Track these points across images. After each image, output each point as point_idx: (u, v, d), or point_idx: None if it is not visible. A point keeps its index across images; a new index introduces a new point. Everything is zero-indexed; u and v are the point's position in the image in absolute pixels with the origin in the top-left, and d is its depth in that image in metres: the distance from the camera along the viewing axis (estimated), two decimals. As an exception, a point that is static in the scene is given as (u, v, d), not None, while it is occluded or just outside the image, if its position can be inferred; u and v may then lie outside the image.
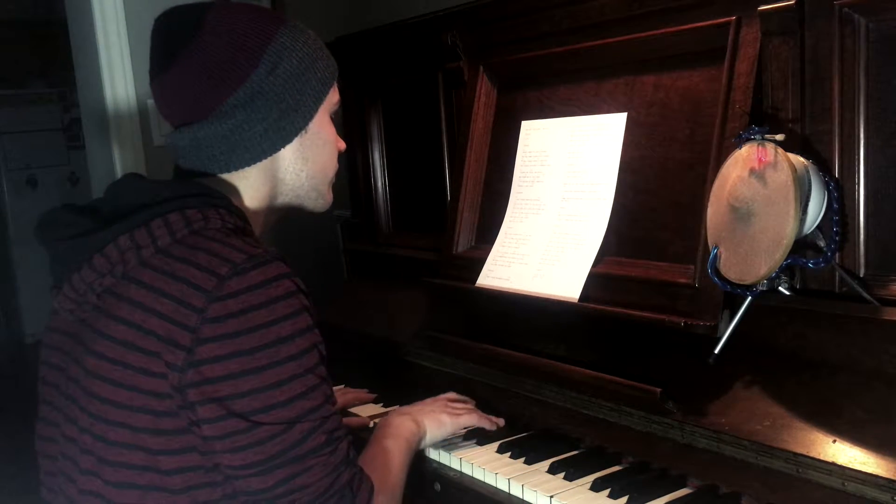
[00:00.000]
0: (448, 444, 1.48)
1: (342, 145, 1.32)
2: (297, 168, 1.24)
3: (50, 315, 1.22)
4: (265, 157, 1.21)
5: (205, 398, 1.04)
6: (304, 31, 1.23)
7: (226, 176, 1.21)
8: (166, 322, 1.04)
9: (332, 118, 1.28)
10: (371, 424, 1.60)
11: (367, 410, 1.72)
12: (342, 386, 1.81)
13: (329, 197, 1.32)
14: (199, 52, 1.15)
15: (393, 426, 1.39)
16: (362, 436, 1.45)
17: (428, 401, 1.52)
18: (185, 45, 1.15)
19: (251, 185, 1.22)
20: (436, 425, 1.44)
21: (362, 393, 1.79)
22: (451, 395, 1.56)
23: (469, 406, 1.53)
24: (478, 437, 1.49)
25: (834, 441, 1.11)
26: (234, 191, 1.22)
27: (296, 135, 1.22)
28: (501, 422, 1.51)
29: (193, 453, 1.07)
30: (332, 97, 1.26)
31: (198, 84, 1.16)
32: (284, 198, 1.26)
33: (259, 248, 1.09)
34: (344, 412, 1.71)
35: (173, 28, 1.18)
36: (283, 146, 1.21)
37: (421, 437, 1.41)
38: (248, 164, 1.20)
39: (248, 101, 1.16)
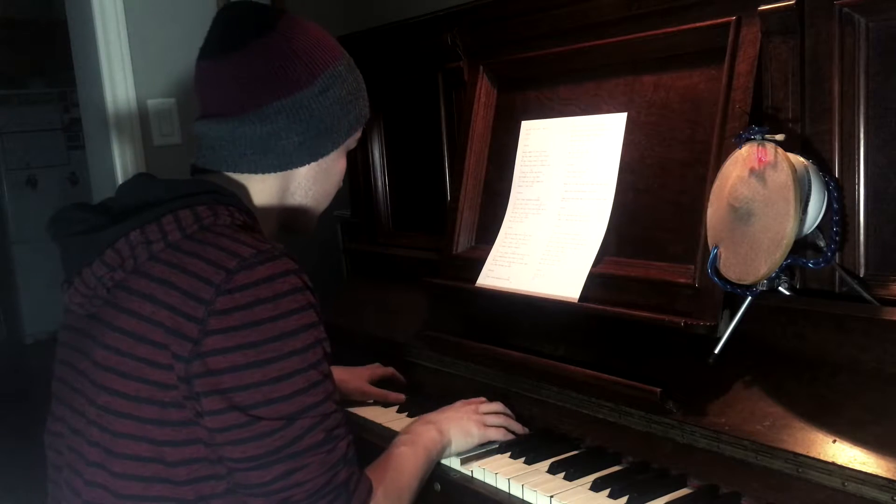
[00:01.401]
0: (448, 444, 1.47)
1: (340, 183, 1.37)
2: (306, 186, 1.28)
3: (63, 312, 1.23)
4: (290, 168, 1.25)
5: (209, 390, 1.05)
6: (356, 68, 1.30)
7: (243, 177, 1.24)
8: (174, 314, 1.06)
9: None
10: (403, 400, 1.68)
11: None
12: (376, 364, 1.81)
13: (316, 224, 1.36)
14: (264, 51, 1.19)
15: (414, 433, 1.38)
16: (378, 444, 1.45)
17: (458, 405, 1.48)
18: (254, 38, 1.19)
19: (264, 190, 1.25)
20: (462, 436, 1.41)
21: (394, 371, 1.79)
22: (481, 399, 1.53)
23: (499, 413, 1.48)
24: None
25: (834, 441, 1.11)
26: (245, 192, 1.24)
27: (320, 157, 1.26)
28: (526, 431, 1.49)
29: (199, 445, 1.08)
30: (357, 135, 1.32)
31: (251, 79, 1.19)
32: (287, 211, 1.29)
33: (268, 244, 1.10)
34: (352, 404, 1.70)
35: (246, 19, 1.22)
36: (307, 163, 1.25)
37: (444, 448, 1.39)
38: (274, 171, 1.24)
39: (292, 112, 1.20)
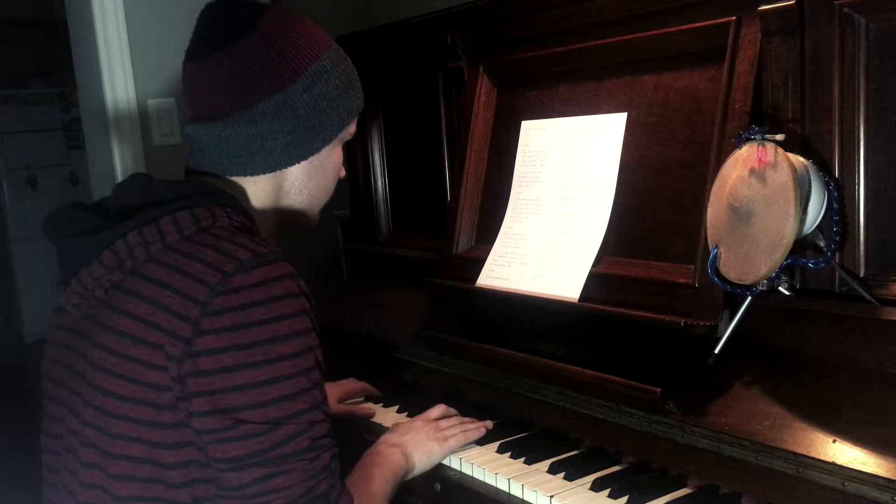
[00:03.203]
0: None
1: (342, 173, 1.36)
2: (301, 184, 1.27)
3: (54, 312, 1.23)
4: (280, 169, 1.24)
5: (199, 390, 1.05)
6: (345, 59, 1.27)
7: (237, 179, 1.23)
8: (170, 315, 1.05)
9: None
10: (374, 415, 1.64)
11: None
12: (351, 378, 1.80)
13: (317, 219, 1.35)
14: (246, 51, 1.17)
15: (382, 455, 1.37)
16: (367, 438, 1.45)
17: (418, 423, 1.48)
18: (234, 39, 1.18)
19: (258, 191, 1.25)
20: (425, 456, 1.42)
21: (368, 385, 1.79)
22: (441, 409, 1.53)
23: (457, 423, 1.50)
24: (478, 437, 1.49)
25: (834, 441, 1.11)
26: (241, 193, 1.24)
27: (311, 154, 1.25)
28: (490, 424, 1.50)
29: (191, 448, 1.08)
30: (351, 128, 1.30)
31: (234, 81, 1.18)
32: (283, 210, 1.29)
33: (265, 248, 1.10)
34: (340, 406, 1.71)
35: (227, 19, 1.20)
36: (298, 163, 1.24)
37: (408, 471, 1.39)
38: (264, 172, 1.23)
39: (277, 112, 1.19)
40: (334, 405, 1.71)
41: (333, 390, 1.74)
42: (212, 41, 1.19)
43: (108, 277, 1.11)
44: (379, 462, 1.35)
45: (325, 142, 1.26)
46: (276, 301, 1.07)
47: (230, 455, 1.06)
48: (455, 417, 1.53)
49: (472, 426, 1.49)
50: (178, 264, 1.08)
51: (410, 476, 1.41)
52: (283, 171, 1.24)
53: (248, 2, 1.22)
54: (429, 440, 1.44)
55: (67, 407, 1.17)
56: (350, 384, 1.78)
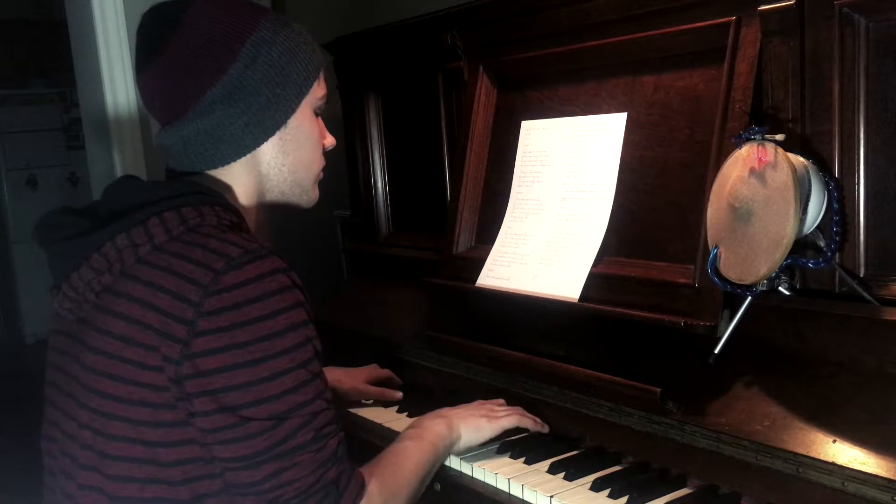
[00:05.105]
0: (448, 444, 1.47)
1: (329, 141, 1.32)
2: (278, 163, 1.24)
3: (52, 317, 1.23)
4: (249, 152, 1.21)
5: (199, 391, 1.05)
6: (287, 25, 1.22)
7: (215, 173, 1.22)
8: (163, 316, 1.05)
9: (316, 113, 1.28)
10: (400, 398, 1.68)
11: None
12: (373, 365, 1.81)
13: (314, 193, 1.31)
14: (178, 48, 1.15)
15: (422, 427, 1.37)
16: (378, 444, 1.45)
17: (473, 404, 1.48)
18: (165, 40, 1.16)
19: (238, 181, 1.23)
20: (473, 429, 1.41)
21: (391, 373, 1.80)
22: (500, 401, 1.53)
23: (510, 408, 1.49)
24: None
25: (834, 441, 1.11)
26: (226, 188, 1.22)
27: (277, 129, 1.22)
28: (546, 428, 1.48)
29: (193, 445, 1.08)
30: (317, 92, 1.25)
31: (177, 79, 1.16)
32: (271, 194, 1.26)
33: (255, 244, 1.10)
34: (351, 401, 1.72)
35: (154, 24, 1.19)
36: (266, 140, 1.21)
37: (453, 442, 1.38)
38: (234, 159, 1.21)
39: (227, 96, 1.16)
40: (362, 386, 1.73)
41: (361, 374, 1.76)
42: (146, 49, 1.18)
43: (99, 280, 1.10)
44: (417, 434, 1.35)
45: (288, 113, 1.22)
46: (271, 296, 1.07)
47: (239, 454, 1.07)
48: (509, 407, 1.51)
49: (528, 414, 1.48)
50: (167, 265, 1.08)
51: (455, 449, 1.39)
52: (255, 153, 1.22)
53: (173, 1, 1.19)
54: (479, 416, 1.43)
55: (63, 410, 1.17)
56: (375, 370, 1.79)
